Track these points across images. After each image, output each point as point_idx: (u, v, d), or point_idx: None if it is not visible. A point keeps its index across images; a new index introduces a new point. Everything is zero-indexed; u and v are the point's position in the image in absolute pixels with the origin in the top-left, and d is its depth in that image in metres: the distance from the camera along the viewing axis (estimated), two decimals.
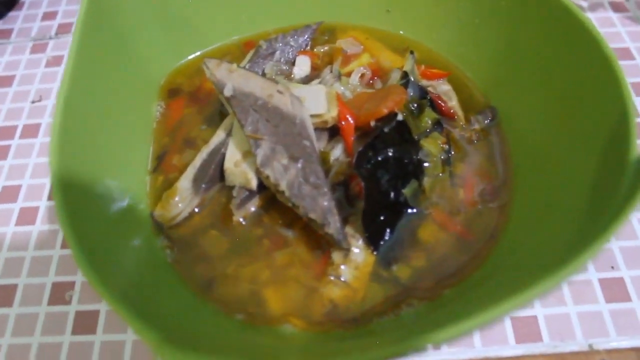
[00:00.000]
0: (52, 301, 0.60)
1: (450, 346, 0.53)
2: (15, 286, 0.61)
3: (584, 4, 0.83)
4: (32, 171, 0.71)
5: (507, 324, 0.54)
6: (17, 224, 0.66)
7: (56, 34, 0.88)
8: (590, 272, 0.57)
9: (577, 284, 0.56)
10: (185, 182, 0.57)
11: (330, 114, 0.55)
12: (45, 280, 0.61)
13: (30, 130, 0.76)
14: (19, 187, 0.70)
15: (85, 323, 0.58)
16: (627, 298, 0.55)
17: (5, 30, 0.90)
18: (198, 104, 0.67)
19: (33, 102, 0.79)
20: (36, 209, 0.67)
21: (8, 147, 0.74)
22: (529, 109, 0.57)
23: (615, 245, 0.59)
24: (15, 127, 0.76)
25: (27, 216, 0.67)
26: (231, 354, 0.36)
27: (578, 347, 0.53)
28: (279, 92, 0.54)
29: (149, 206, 0.58)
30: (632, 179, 0.37)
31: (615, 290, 0.56)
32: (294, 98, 0.54)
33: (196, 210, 0.57)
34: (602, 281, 0.56)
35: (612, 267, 0.57)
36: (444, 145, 0.58)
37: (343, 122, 0.55)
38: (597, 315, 0.54)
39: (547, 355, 0.53)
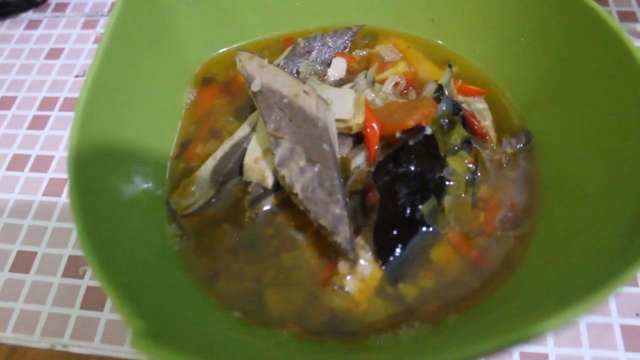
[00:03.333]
0: (67, 273, 0.61)
1: None
2: (34, 254, 0.63)
3: None
4: (66, 144, 0.73)
5: (516, 358, 0.52)
6: (45, 193, 0.68)
7: (108, 11, 0.90)
8: (612, 317, 0.54)
9: (597, 327, 0.53)
10: (204, 172, 0.57)
11: (356, 120, 0.54)
12: (63, 252, 0.63)
13: (70, 104, 0.78)
14: (51, 157, 0.72)
15: (94, 299, 0.59)
16: None
17: (62, 4, 0.93)
18: (229, 96, 0.67)
19: (77, 76, 0.81)
20: (64, 181, 0.69)
21: (47, 117, 0.77)
22: (566, 136, 0.54)
23: None
24: (57, 99, 0.79)
25: (55, 187, 0.69)
26: (215, 354, 0.36)
27: None
28: (305, 92, 0.53)
29: (165, 192, 0.58)
30: None
31: (637, 339, 0.53)
32: (320, 100, 0.53)
33: (212, 201, 0.57)
34: (624, 327, 0.53)
35: (638, 314, 0.54)
36: (471, 165, 0.56)
37: (368, 130, 0.54)
38: None
39: None
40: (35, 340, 0.57)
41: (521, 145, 0.58)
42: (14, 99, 0.79)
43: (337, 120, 0.54)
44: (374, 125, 0.53)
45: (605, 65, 0.50)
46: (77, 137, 0.44)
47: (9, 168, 0.71)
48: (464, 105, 0.59)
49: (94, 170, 0.46)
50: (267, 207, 0.56)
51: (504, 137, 0.58)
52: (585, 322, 0.54)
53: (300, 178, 0.50)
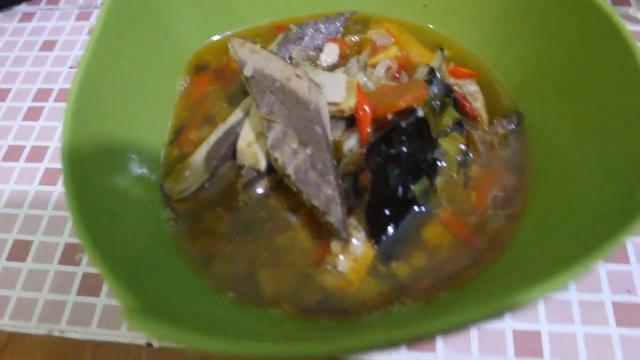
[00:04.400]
0: (63, 261, 0.61)
1: (447, 351, 0.52)
2: (31, 242, 0.63)
3: None
4: (61, 134, 0.73)
5: (509, 335, 0.52)
6: (41, 183, 0.69)
7: (102, 3, 0.90)
8: (604, 294, 0.54)
9: (589, 304, 0.54)
10: (198, 158, 0.57)
11: (348, 103, 0.54)
12: (59, 240, 0.63)
13: (65, 95, 0.78)
14: (46, 148, 0.72)
15: (90, 285, 0.59)
16: None
17: None
18: (223, 82, 0.67)
19: (71, 67, 0.81)
20: (59, 170, 0.69)
21: (42, 108, 0.77)
22: (557, 117, 0.55)
23: (636, 268, 0.56)
24: (51, 90, 0.79)
25: (50, 177, 0.69)
26: (208, 330, 0.36)
27: None
28: (297, 76, 0.54)
29: (160, 177, 0.59)
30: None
31: (628, 315, 0.53)
32: (312, 84, 0.53)
33: (205, 185, 0.57)
34: (615, 304, 0.54)
35: (629, 291, 0.54)
36: (463, 147, 0.56)
37: (360, 112, 0.54)
38: (605, 339, 0.52)
39: None
40: (33, 326, 0.57)
41: (512, 126, 0.58)
42: (8, 90, 0.80)
43: (329, 104, 0.54)
44: (366, 107, 0.54)
45: (596, 47, 0.50)
46: (70, 126, 0.45)
47: (4, 159, 0.72)
48: (455, 88, 0.59)
49: (88, 159, 0.47)
50: (260, 190, 0.57)
51: (496, 119, 0.59)
52: (578, 300, 0.54)
53: (293, 160, 0.51)
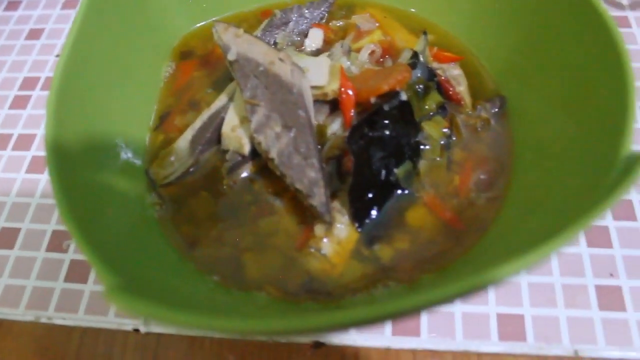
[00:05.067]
0: (50, 248, 0.62)
1: (431, 335, 0.52)
2: (18, 230, 0.64)
3: (625, 1, 0.79)
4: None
5: (492, 319, 0.53)
6: (28, 171, 0.69)
7: None
8: (587, 277, 0.55)
9: (572, 287, 0.54)
10: (182, 143, 0.58)
11: (331, 86, 0.54)
12: (47, 228, 0.63)
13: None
14: (33, 136, 0.72)
15: (78, 272, 0.59)
16: (622, 308, 0.53)
17: None
18: (208, 68, 0.67)
19: (57, 56, 0.81)
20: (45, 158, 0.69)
21: (29, 97, 0.77)
22: (539, 101, 0.55)
23: (619, 252, 0.56)
24: (38, 79, 0.79)
25: (37, 165, 0.69)
26: (190, 309, 0.36)
27: (563, 351, 0.51)
28: (281, 60, 0.54)
29: (145, 163, 0.59)
30: (619, 175, 0.35)
31: (610, 298, 0.54)
32: (295, 67, 0.54)
33: (190, 170, 0.58)
34: (598, 288, 0.54)
35: (611, 275, 0.55)
36: (446, 130, 0.56)
37: (343, 96, 0.54)
38: (587, 322, 0.52)
39: (529, 356, 0.51)
40: (20, 313, 0.57)
41: (495, 109, 0.58)
42: None
43: (313, 87, 0.55)
44: (349, 91, 0.54)
45: (577, 31, 0.50)
46: (54, 114, 0.45)
47: None
48: (439, 72, 0.59)
49: (72, 145, 0.47)
50: (244, 174, 0.57)
51: (479, 103, 0.59)
52: (561, 283, 0.55)
53: (276, 143, 0.51)
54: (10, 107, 0.76)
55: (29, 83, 0.78)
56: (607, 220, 0.58)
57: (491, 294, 0.54)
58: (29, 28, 0.86)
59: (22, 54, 0.82)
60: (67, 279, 0.59)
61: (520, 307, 0.53)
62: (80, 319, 0.56)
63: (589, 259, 0.56)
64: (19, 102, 0.76)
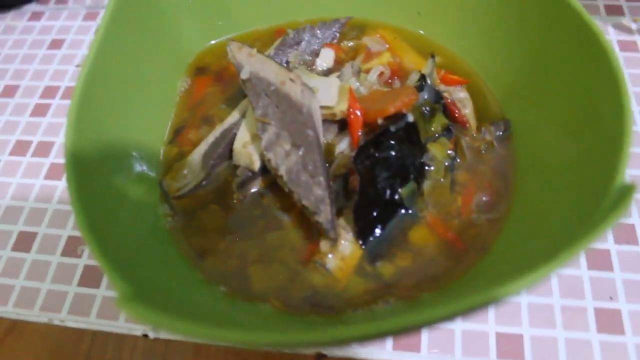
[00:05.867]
0: (65, 253, 0.64)
1: (431, 352, 0.53)
2: (35, 234, 0.66)
3: (634, 26, 0.80)
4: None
5: (491, 338, 0.54)
6: (46, 177, 0.71)
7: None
8: (587, 300, 0.56)
9: (571, 309, 0.55)
10: (196, 157, 0.60)
11: (339, 107, 0.56)
12: (62, 233, 0.66)
13: (71, 92, 0.80)
14: (52, 143, 0.75)
15: (91, 277, 0.61)
16: (621, 331, 0.54)
17: None
18: (222, 84, 0.69)
19: (77, 66, 0.84)
20: (64, 166, 0.72)
21: (49, 105, 0.79)
22: (541, 125, 0.56)
23: (619, 276, 0.57)
24: (58, 88, 0.81)
25: (55, 171, 0.72)
26: (198, 318, 0.38)
27: None
28: (291, 80, 0.56)
29: (159, 175, 0.61)
30: (611, 204, 0.36)
31: (609, 321, 0.54)
32: (305, 87, 0.55)
33: (202, 184, 0.60)
34: (597, 310, 0.55)
35: (611, 298, 0.56)
36: (451, 152, 0.58)
37: (351, 116, 0.56)
38: (585, 344, 0.53)
39: None
40: (35, 314, 0.60)
41: (500, 133, 0.60)
42: (17, 87, 0.82)
43: (322, 107, 0.56)
44: (357, 112, 0.56)
45: (578, 57, 0.51)
46: (74, 124, 0.47)
47: (11, 153, 0.74)
48: (445, 94, 0.61)
49: (90, 156, 0.49)
50: (254, 190, 0.59)
51: (484, 126, 0.61)
52: (560, 305, 0.55)
53: (285, 161, 0.53)
54: (31, 115, 0.78)
55: (49, 92, 0.81)
56: (608, 243, 0.59)
57: (491, 312, 0.55)
58: (51, 38, 0.89)
59: (44, 63, 0.85)
60: (81, 283, 0.61)
61: (520, 327, 0.54)
62: (91, 322, 0.58)
63: (589, 281, 0.57)
64: (40, 110, 0.79)
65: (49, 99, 0.80)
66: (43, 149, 0.74)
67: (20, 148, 0.75)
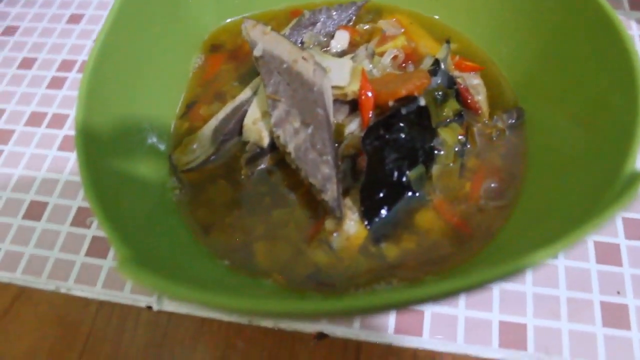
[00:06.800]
0: (75, 223, 0.65)
1: (433, 336, 0.53)
2: (46, 204, 0.67)
3: None
4: None
5: (495, 326, 0.54)
6: (59, 149, 0.72)
7: None
8: (593, 293, 0.55)
9: (577, 301, 0.54)
10: (206, 131, 0.60)
11: (351, 87, 0.56)
12: (72, 204, 0.66)
13: None
14: (67, 116, 0.76)
15: (98, 248, 0.62)
16: (627, 326, 0.53)
17: None
18: (236, 62, 0.70)
19: (95, 40, 0.84)
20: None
21: (65, 78, 0.80)
22: (554, 114, 0.56)
23: (628, 271, 0.56)
24: (75, 62, 0.82)
25: (69, 143, 0.73)
26: (198, 286, 0.38)
27: None
28: (304, 58, 0.55)
29: (169, 148, 0.61)
30: (619, 191, 0.36)
31: (616, 315, 0.54)
32: (318, 66, 0.55)
33: (211, 158, 0.60)
34: (604, 304, 0.54)
35: (619, 292, 0.55)
36: (461, 137, 0.57)
37: (362, 97, 0.56)
38: (590, 337, 0.53)
39: None
40: (42, 282, 0.60)
41: (512, 121, 0.59)
42: (34, 60, 0.83)
43: (334, 87, 0.56)
44: (369, 93, 0.56)
45: (598, 48, 0.51)
46: (85, 95, 0.47)
47: (27, 124, 0.75)
48: (459, 80, 0.60)
49: (101, 127, 0.49)
50: (262, 166, 0.59)
51: (496, 113, 0.60)
52: (566, 297, 0.55)
53: (294, 138, 0.53)
54: (48, 87, 0.79)
55: (66, 65, 0.82)
56: (618, 237, 0.58)
57: (495, 301, 0.55)
58: (70, 13, 0.90)
59: (62, 37, 0.86)
60: (88, 253, 0.62)
61: (524, 317, 0.54)
62: (97, 292, 0.59)
63: (596, 275, 0.56)
64: (56, 83, 0.80)
65: (66, 72, 0.81)
66: (58, 121, 0.75)
67: (36, 119, 0.76)
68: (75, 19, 0.89)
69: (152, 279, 0.33)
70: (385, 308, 0.33)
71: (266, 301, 0.32)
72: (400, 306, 0.33)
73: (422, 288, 0.32)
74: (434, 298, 0.33)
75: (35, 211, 0.66)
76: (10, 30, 0.89)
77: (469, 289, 0.32)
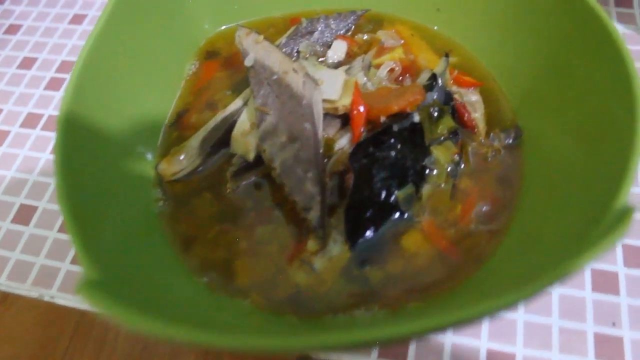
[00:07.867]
0: (62, 229, 0.64)
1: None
2: (35, 208, 0.66)
3: None
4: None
5: (482, 354, 0.51)
6: (52, 152, 0.71)
7: None
8: (587, 323, 0.53)
9: (570, 332, 0.52)
10: (194, 142, 0.59)
11: (342, 101, 0.54)
12: None
13: None
14: None
15: None
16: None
17: None
18: (230, 70, 0.68)
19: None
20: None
21: (64, 80, 0.80)
22: (553, 131, 0.53)
23: (625, 301, 0.54)
24: (74, 63, 0.81)
25: None
26: (163, 310, 0.37)
27: None
28: (294, 70, 0.54)
29: (155, 158, 0.60)
30: (610, 225, 0.34)
31: (610, 348, 0.51)
32: (308, 79, 0.54)
33: (199, 169, 0.59)
34: (597, 336, 0.52)
35: (614, 324, 0.52)
36: (455, 156, 0.55)
37: (354, 112, 0.54)
38: None
39: None
40: (26, 288, 0.60)
41: (509, 140, 0.57)
42: (34, 60, 0.83)
43: (324, 101, 0.54)
44: (361, 107, 0.54)
45: (599, 66, 0.49)
46: (71, 95, 0.46)
47: (22, 125, 0.75)
48: (456, 96, 0.58)
49: (85, 130, 0.48)
50: (248, 180, 0.57)
51: (494, 131, 0.58)
52: (559, 326, 0.53)
53: (280, 153, 0.51)
54: (45, 88, 0.79)
55: (65, 66, 0.81)
56: (617, 265, 0.56)
57: (485, 328, 0.52)
58: (73, 13, 0.89)
59: (64, 38, 0.85)
60: (74, 261, 0.61)
61: (513, 346, 0.52)
62: (79, 301, 0.58)
63: (592, 304, 0.54)
64: (54, 84, 0.79)
65: (65, 74, 0.80)
66: (53, 124, 0.74)
67: (31, 121, 0.75)
68: (78, 19, 0.88)
69: (112, 308, 0.31)
70: (362, 345, 0.31)
71: (233, 337, 0.31)
72: (380, 344, 0.31)
73: (400, 325, 0.30)
74: (415, 336, 0.31)
75: (24, 215, 0.65)
76: (13, 29, 0.88)
77: (450, 326, 0.30)
